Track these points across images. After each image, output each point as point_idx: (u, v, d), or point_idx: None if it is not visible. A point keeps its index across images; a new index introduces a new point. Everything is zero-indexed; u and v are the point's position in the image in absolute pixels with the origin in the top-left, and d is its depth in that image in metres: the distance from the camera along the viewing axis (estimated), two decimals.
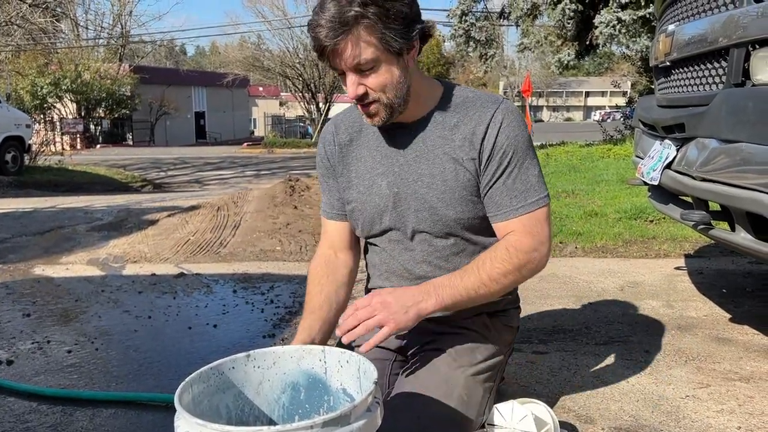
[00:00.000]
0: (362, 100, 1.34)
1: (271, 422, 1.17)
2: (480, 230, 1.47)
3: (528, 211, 1.41)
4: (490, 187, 1.42)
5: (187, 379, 1.05)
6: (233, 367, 1.14)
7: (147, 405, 1.82)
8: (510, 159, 1.40)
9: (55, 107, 24.91)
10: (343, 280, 1.56)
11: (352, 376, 1.15)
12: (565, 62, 14.02)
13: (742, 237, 1.77)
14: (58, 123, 25.00)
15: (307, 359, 1.19)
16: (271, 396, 1.18)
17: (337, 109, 29.08)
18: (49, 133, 21.45)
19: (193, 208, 5.95)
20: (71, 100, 25.77)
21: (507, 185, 1.41)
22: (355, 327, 1.27)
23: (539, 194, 1.42)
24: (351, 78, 1.31)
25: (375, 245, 1.57)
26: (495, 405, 1.45)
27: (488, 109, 1.42)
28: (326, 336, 1.46)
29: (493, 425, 1.42)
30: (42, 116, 23.77)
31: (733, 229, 1.84)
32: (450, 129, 1.43)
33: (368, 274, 1.66)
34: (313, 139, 26.48)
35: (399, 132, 1.47)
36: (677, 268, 3.37)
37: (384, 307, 1.27)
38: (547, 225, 1.43)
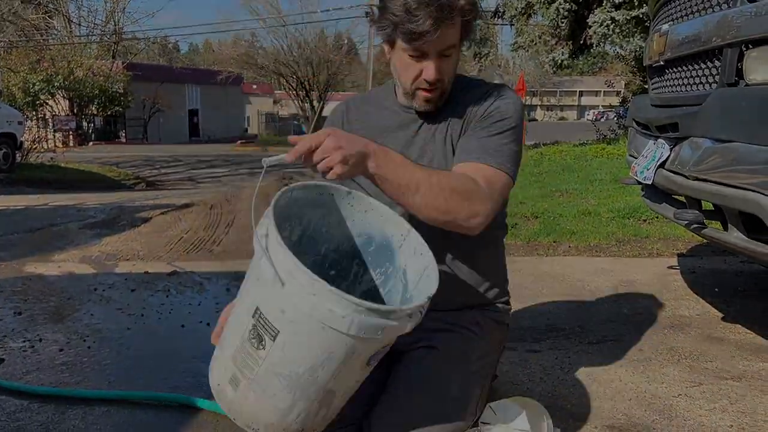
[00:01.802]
0: (434, 84, 1.39)
1: (337, 251, 1.32)
2: None
3: (489, 164, 1.36)
4: (469, 137, 1.43)
5: (290, 186, 1.17)
6: (332, 194, 1.24)
7: (139, 403, 1.82)
8: (497, 122, 1.42)
9: (47, 104, 24.74)
10: None
11: (417, 269, 1.25)
12: (559, 61, 14.03)
13: (735, 236, 1.78)
14: (50, 120, 24.85)
15: (391, 227, 1.28)
16: (348, 233, 1.30)
17: (331, 107, 29.03)
18: (42, 130, 21.33)
19: (186, 206, 5.93)
20: (64, 97, 25.61)
21: (482, 140, 1.40)
22: (305, 154, 1.17)
23: (508, 165, 1.39)
24: (434, 62, 1.36)
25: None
26: (488, 403, 1.45)
27: (494, 89, 1.49)
28: None
29: (487, 423, 1.42)
30: (34, 113, 23.61)
31: (725, 228, 1.85)
32: (456, 112, 1.47)
33: None
34: None
35: (410, 116, 1.51)
36: (670, 267, 3.38)
37: (335, 150, 1.16)
38: (499, 195, 1.36)
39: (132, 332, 2.42)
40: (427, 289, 1.17)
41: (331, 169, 1.16)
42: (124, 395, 1.85)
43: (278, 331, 1.05)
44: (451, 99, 1.48)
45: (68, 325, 2.50)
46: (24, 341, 2.31)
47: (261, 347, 1.07)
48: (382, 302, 1.32)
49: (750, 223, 1.72)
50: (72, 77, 25.08)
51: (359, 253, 1.33)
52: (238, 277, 3.20)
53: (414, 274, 1.26)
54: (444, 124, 1.49)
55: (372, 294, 1.34)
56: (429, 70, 1.37)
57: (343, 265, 1.35)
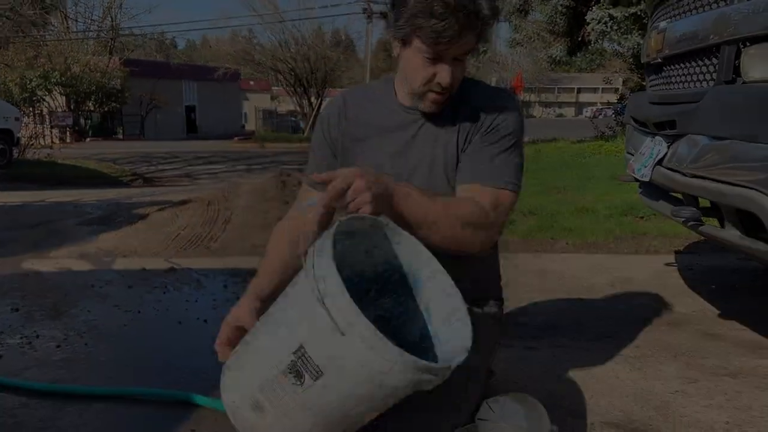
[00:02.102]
0: (445, 88, 1.38)
1: (360, 275, 1.27)
2: None
3: (497, 187, 1.39)
4: (474, 152, 1.43)
5: (341, 220, 1.11)
6: (371, 225, 1.21)
7: (137, 400, 1.82)
8: (502, 138, 1.43)
9: (44, 100, 24.69)
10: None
11: (444, 309, 1.22)
12: (557, 58, 14.04)
13: (732, 234, 1.78)
14: (47, 116, 24.79)
15: (419, 264, 1.25)
16: (374, 260, 1.27)
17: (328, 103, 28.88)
18: (39, 126, 21.24)
19: (183, 202, 5.92)
20: (60, 93, 25.54)
21: (490, 156, 1.42)
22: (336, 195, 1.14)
23: (515, 181, 1.43)
24: (450, 67, 1.36)
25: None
26: (485, 400, 1.45)
27: (496, 96, 1.48)
28: (274, 296, 1.36)
29: (484, 420, 1.42)
30: (31, 109, 23.56)
31: (722, 225, 1.85)
32: (459, 118, 1.46)
33: None
34: (305, 134, 26.40)
35: (410, 116, 1.49)
36: (667, 264, 3.39)
37: (365, 191, 1.15)
38: (506, 215, 1.41)
39: (129, 329, 2.42)
40: (463, 338, 1.15)
41: (359, 209, 1.15)
42: (121, 392, 1.85)
43: (322, 374, 1.02)
44: (454, 100, 1.46)
45: (65, 321, 2.50)
46: (21, 338, 2.31)
47: (298, 383, 1.05)
48: (391, 330, 1.29)
49: (747, 221, 1.72)
50: (69, 73, 25.02)
51: (380, 279, 1.30)
52: (235, 274, 3.22)
53: (440, 312, 1.24)
54: (446, 129, 1.46)
55: (383, 321, 1.32)
56: (444, 74, 1.36)
57: (358, 287, 1.32)
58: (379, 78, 1.70)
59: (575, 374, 1.98)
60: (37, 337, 2.32)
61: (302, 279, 1.06)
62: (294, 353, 1.03)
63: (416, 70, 1.38)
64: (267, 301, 1.33)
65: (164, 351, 2.20)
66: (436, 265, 1.24)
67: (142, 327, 2.45)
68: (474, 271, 1.56)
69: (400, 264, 1.27)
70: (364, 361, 0.99)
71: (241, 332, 1.25)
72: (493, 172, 1.41)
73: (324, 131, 1.57)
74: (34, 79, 23.38)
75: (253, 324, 1.22)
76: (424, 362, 1.00)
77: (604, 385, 1.90)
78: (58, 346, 2.23)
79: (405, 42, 1.37)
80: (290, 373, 1.04)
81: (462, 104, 1.47)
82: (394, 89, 1.53)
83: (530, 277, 3.13)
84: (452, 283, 1.22)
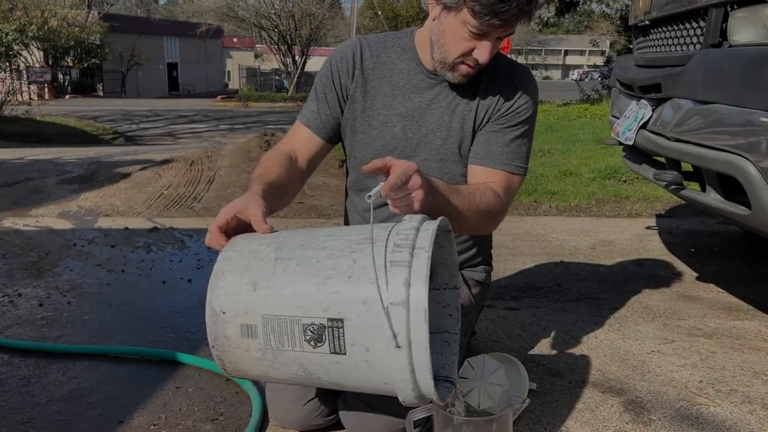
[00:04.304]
0: (480, 64, 1.34)
1: None
2: None
3: (510, 172, 1.42)
4: (490, 131, 1.43)
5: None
6: (437, 276, 1.16)
7: (121, 358, 1.82)
8: (520, 123, 1.44)
9: (20, 55, 24.03)
10: (294, 184, 1.42)
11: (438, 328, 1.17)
12: (545, 19, 13.90)
13: (712, 197, 1.80)
14: (24, 72, 24.20)
15: (443, 273, 1.17)
16: None
17: (314, 62, 28.54)
18: (16, 82, 20.76)
19: (166, 161, 5.86)
20: (38, 48, 24.90)
21: (506, 140, 1.43)
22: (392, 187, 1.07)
23: (525, 164, 1.46)
24: (492, 45, 1.31)
25: (366, 188, 1.52)
26: (467, 359, 1.47)
27: (518, 76, 1.45)
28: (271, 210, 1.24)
29: (465, 378, 1.45)
30: (7, 64, 22.93)
31: (703, 189, 1.87)
32: (480, 93, 1.44)
33: (348, 222, 1.64)
34: (289, 93, 26.05)
35: (431, 81, 1.45)
36: (648, 228, 3.43)
37: (419, 189, 1.11)
38: (514, 196, 1.46)
39: (113, 288, 2.42)
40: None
41: (409, 205, 1.11)
42: (105, 350, 1.85)
43: (344, 354, 0.96)
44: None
45: (47, 280, 2.48)
46: (3, 296, 2.30)
47: (311, 344, 0.97)
48: None
49: (727, 185, 1.74)
50: (46, 27, 24.32)
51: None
52: None
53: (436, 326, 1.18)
54: (466, 102, 1.44)
55: None
56: (485, 51, 1.31)
57: None
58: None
59: (554, 334, 2.02)
60: (19, 295, 2.31)
61: (376, 255, 0.96)
62: (330, 320, 0.95)
63: (456, 41, 1.32)
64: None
65: (148, 310, 2.20)
66: (457, 281, 1.18)
67: (125, 286, 2.45)
68: (472, 240, 1.58)
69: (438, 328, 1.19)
70: (397, 374, 0.94)
71: (240, 227, 1.14)
72: (508, 157, 1.42)
73: (334, 76, 1.48)
74: (10, 33, 22.67)
75: (262, 224, 1.11)
76: (437, 399, 0.97)
77: (583, 345, 1.94)
78: (40, 305, 2.22)
79: (449, 8, 1.29)
80: (311, 332, 0.97)
81: (485, 80, 1.44)
82: (414, 47, 1.47)
83: (512, 239, 3.15)
84: (458, 306, 1.18)
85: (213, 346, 1.05)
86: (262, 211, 1.13)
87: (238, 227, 1.14)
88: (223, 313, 1.02)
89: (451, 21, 1.30)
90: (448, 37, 1.33)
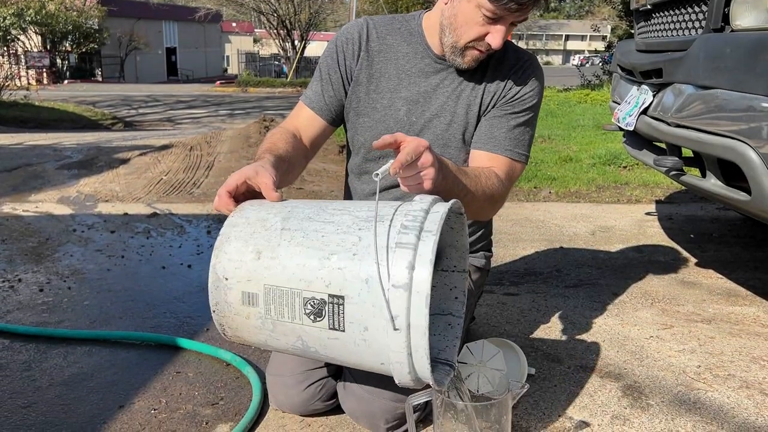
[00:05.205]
0: (491, 49, 1.34)
1: None
2: None
3: (512, 158, 1.42)
4: (495, 117, 1.43)
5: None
6: (446, 258, 1.15)
7: (121, 343, 1.83)
8: (525, 110, 1.44)
9: (18, 39, 23.91)
10: (300, 161, 1.41)
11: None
12: (548, 3, 13.78)
13: (712, 183, 1.80)
14: (22, 56, 24.07)
15: (452, 254, 1.15)
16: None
17: (313, 47, 28.35)
18: (14, 67, 20.66)
19: (165, 147, 5.84)
20: (36, 33, 24.74)
21: (510, 126, 1.43)
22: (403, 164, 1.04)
23: (527, 152, 1.46)
24: (504, 30, 1.31)
25: (367, 172, 1.52)
26: (466, 344, 1.48)
27: (525, 62, 1.45)
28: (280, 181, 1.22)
29: (464, 363, 1.45)
30: (5, 49, 22.82)
31: (704, 175, 1.87)
32: (486, 78, 1.43)
33: None
34: (289, 78, 25.92)
35: (437, 65, 1.44)
36: (648, 214, 3.43)
37: (431, 167, 1.08)
38: (515, 181, 1.46)
39: (112, 273, 2.42)
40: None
41: (420, 184, 1.08)
42: (105, 335, 1.86)
43: (342, 331, 0.96)
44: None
45: (48, 265, 2.49)
46: (3, 281, 2.30)
47: (310, 319, 0.97)
48: None
49: (727, 171, 1.74)
50: (44, 11, 24.17)
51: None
52: (219, 219, 3.20)
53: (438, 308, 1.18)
54: (472, 88, 1.43)
55: None
56: (498, 36, 1.30)
57: None
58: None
59: (554, 320, 2.03)
60: (20, 281, 2.31)
61: (383, 235, 0.96)
62: (331, 296, 0.96)
63: (469, 25, 1.31)
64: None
65: (149, 295, 2.21)
66: (466, 265, 1.17)
67: (125, 271, 2.45)
68: (473, 227, 1.59)
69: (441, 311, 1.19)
70: (393, 355, 0.94)
71: (248, 193, 1.14)
72: (511, 143, 1.42)
73: (339, 57, 1.47)
74: (8, 17, 22.54)
75: (272, 192, 1.10)
76: (433, 384, 0.97)
77: (582, 330, 1.95)
78: (41, 290, 2.22)
79: None
80: (312, 305, 0.97)
81: (490, 62, 1.43)
82: (422, 30, 1.46)
83: (512, 225, 3.15)
84: (464, 290, 1.18)
85: (214, 311, 1.06)
86: (273, 179, 1.12)
87: (247, 194, 1.14)
88: (226, 279, 1.03)
89: (465, 5, 1.30)
90: (461, 20, 1.32)
